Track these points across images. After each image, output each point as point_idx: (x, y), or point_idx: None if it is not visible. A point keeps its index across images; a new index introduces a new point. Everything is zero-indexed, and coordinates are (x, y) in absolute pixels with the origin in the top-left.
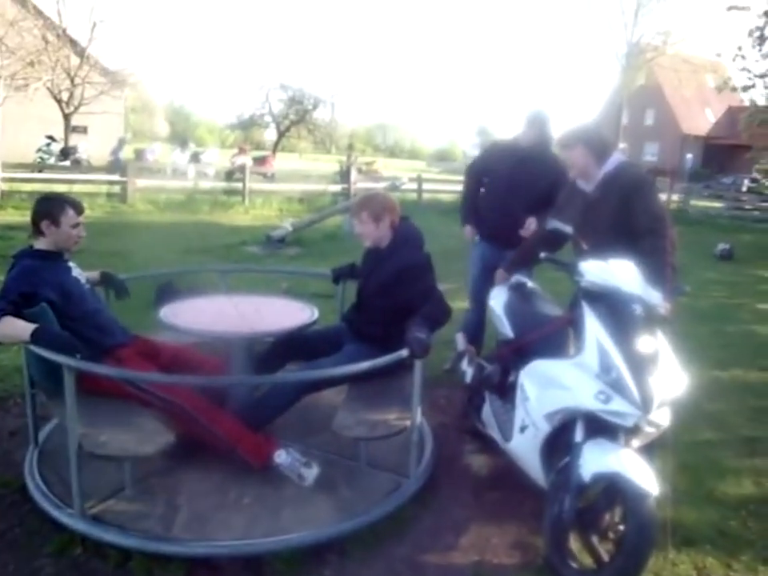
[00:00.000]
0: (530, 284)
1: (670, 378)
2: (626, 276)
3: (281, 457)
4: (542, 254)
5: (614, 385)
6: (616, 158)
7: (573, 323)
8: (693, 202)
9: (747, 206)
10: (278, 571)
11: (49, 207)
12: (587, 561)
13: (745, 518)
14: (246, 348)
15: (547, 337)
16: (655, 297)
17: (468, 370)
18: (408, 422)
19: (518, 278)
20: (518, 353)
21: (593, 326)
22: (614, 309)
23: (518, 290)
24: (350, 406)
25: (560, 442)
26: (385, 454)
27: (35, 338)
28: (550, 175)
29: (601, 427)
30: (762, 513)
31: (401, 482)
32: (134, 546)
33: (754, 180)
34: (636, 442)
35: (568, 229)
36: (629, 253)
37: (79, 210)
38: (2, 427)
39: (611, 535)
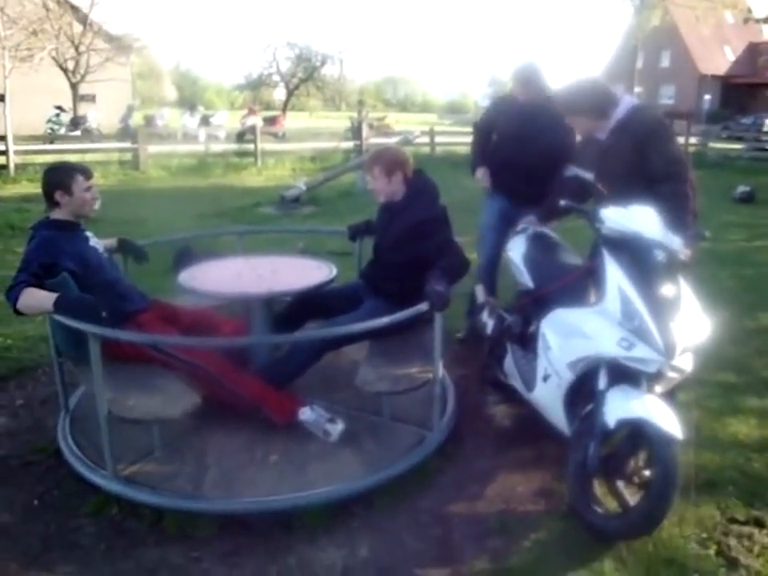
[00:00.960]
0: (549, 234)
1: (692, 324)
2: (647, 221)
3: (305, 414)
4: (562, 202)
5: (637, 331)
6: (627, 103)
7: (593, 272)
8: (711, 145)
9: None
10: (306, 525)
11: (58, 176)
12: (612, 506)
13: None
14: (265, 308)
15: (567, 286)
16: (676, 242)
17: (489, 321)
18: (430, 376)
19: (536, 227)
20: (539, 303)
21: (614, 273)
22: (635, 255)
23: (537, 240)
24: (372, 361)
25: (583, 390)
26: (407, 407)
27: (58, 306)
28: (555, 128)
29: (624, 374)
30: None
31: (424, 435)
32: (166, 505)
33: None
34: (659, 388)
35: (588, 175)
36: (648, 198)
37: (88, 175)
38: (33, 396)
39: (636, 480)
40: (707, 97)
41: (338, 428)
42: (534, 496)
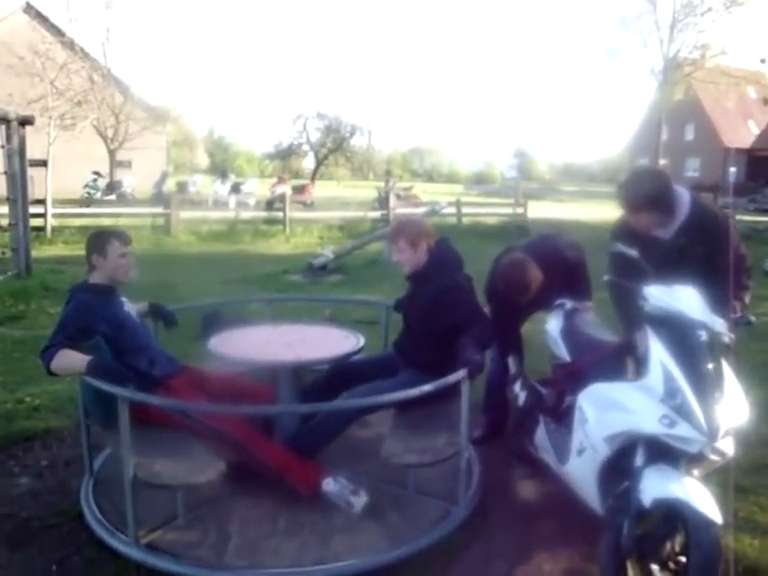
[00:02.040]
0: (584, 310)
1: (734, 407)
2: (690, 301)
3: (329, 485)
4: (606, 277)
5: (680, 409)
6: (684, 200)
7: (630, 347)
8: (739, 217)
9: None
10: None
11: (96, 241)
12: None
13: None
14: (293, 376)
15: (604, 361)
16: (719, 324)
17: (521, 393)
18: (456, 448)
19: (572, 303)
20: (574, 376)
21: (657, 350)
22: (678, 334)
23: (574, 316)
24: (398, 433)
25: (618, 467)
26: (432, 480)
27: (90, 369)
28: None
29: (662, 453)
30: None
31: (450, 509)
32: (187, 574)
33: None
34: (697, 471)
35: (633, 252)
36: (708, 286)
37: (124, 241)
38: (58, 457)
39: (671, 565)
40: (733, 169)
41: (361, 500)
42: (561, 575)
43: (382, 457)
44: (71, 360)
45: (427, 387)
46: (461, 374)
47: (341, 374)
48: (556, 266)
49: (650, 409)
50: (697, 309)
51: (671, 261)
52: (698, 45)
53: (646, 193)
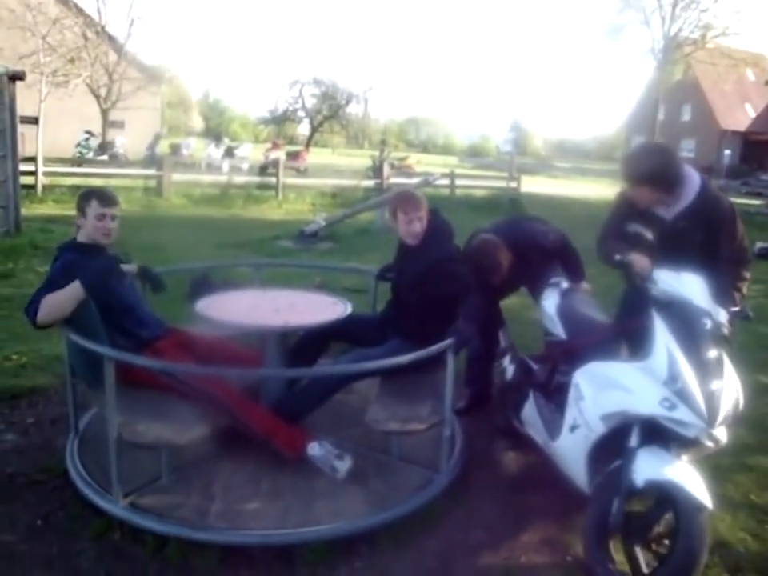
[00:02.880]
0: (578, 290)
1: (731, 396)
2: (697, 290)
3: (314, 449)
4: (617, 257)
5: (681, 394)
6: (694, 184)
7: (630, 330)
8: (731, 199)
9: None
10: (309, 561)
11: (80, 200)
12: (624, 568)
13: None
14: (280, 341)
15: (600, 342)
16: (722, 315)
17: (510, 367)
18: (440, 417)
19: (568, 283)
20: (569, 355)
21: (663, 334)
22: (682, 319)
23: (570, 295)
24: (383, 400)
25: (610, 447)
26: (416, 448)
27: (84, 282)
28: None
29: (656, 436)
30: None
31: (432, 477)
32: (170, 533)
33: None
34: (688, 456)
35: (649, 235)
36: (706, 271)
37: (105, 201)
38: (44, 415)
39: (654, 547)
40: (727, 152)
41: (345, 465)
42: (538, 545)
43: (367, 423)
44: (60, 295)
45: (413, 356)
46: (445, 343)
47: (325, 334)
48: (529, 248)
49: (651, 390)
50: (702, 297)
51: (666, 241)
52: (700, 24)
53: (648, 167)
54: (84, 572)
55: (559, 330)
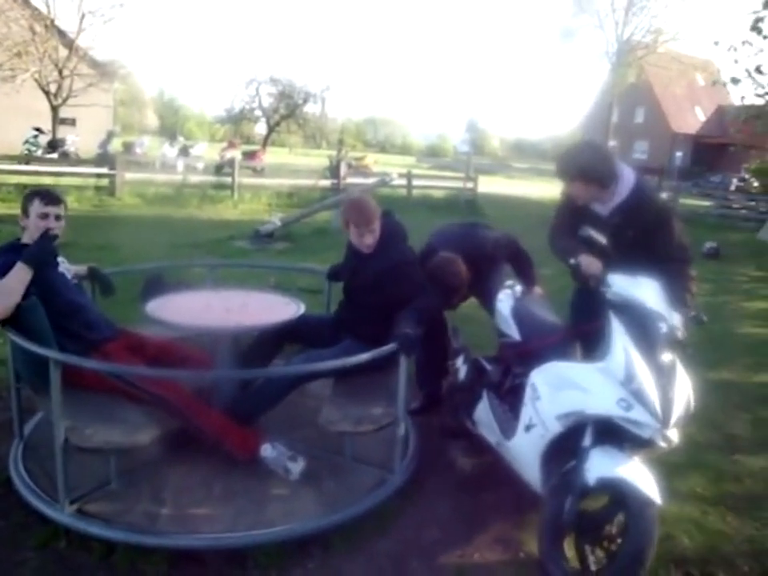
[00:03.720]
0: (534, 293)
1: (683, 398)
2: (651, 294)
3: (267, 450)
4: (572, 261)
5: (637, 394)
6: (628, 180)
7: (582, 334)
8: (682, 201)
9: (735, 205)
10: (261, 564)
11: (23, 200)
12: (574, 564)
13: (724, 513)
14: (232, 342)
15: (554, 345)
16: (676, 319)
17: (462, 367)
18: (393, 418)
19: (521, 287)
20: (523, 356)
21: (620, 336)
22: (638, 323)
23: (524, 297)
24: (336, 400)
25: (564, 447)
26: (370, 448)
27: (29, 261)
28: None
29: (609, 435)
30: (741, 508)
31: (385, 477)
32: (117, 539)
33: (742, 179)
34: (639, 456)
35: (602, 238)
36: (650, 273)
37: (48, 200)
38: None
39: (606, 545)
40: (679, 154)
41: (298, 466)
42: (491, 543)
43: (320, 424)
44: (7, 280)
45: (365, 356)
46: (390, 347)
47: (278, 334)
48: (480, 258)
49: (608, 390)
50: (656, 301)
51: (606, 236)
52: (652, 29)
53: (580, 162)
54: None
55: (513, 332)
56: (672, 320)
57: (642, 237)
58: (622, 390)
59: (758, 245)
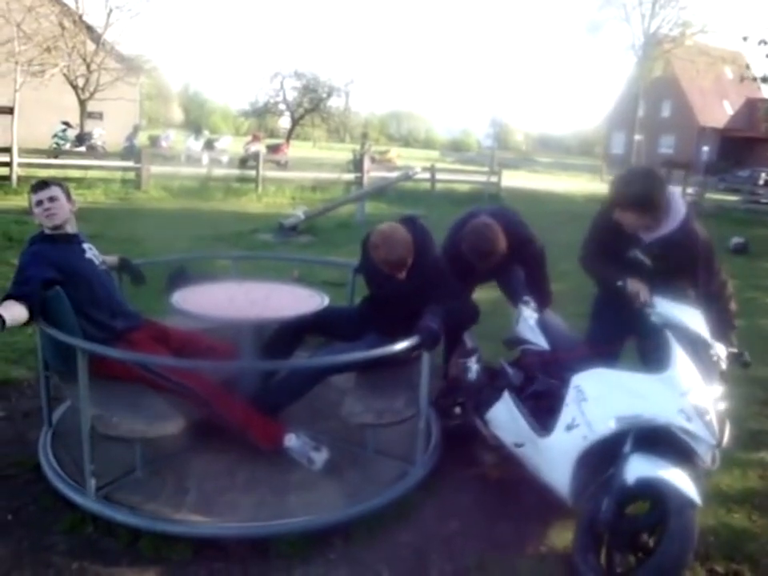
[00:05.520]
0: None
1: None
2: (695, 321)
3: (291, 441)
4: (620, 282)
5: (697, 409)
6: (678, 214)
7: (605, 353)
8: (708, 195)
9: (763, 200)
10: (283, 553)
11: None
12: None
13: (749, 511)
14: (255, 334)
15: (583, 359)
16: (719, 349)
17: (474, 367)
18: (415, 410)
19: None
20: (550, 365)
21: (680, 352)
22: (688, 346)
23: (543, 313)
24: (358, 393)
25: (597, 457)
26: (393, 441)
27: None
28: None
29: (649, 446)
30: (766, 506)
31: (407, 469)
32: (143, 526)
33: None
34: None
35: (648, 262)
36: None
37: (35, 189)
38: (17, 408)
39: (638, 552)
40: (705, 148)
41: (322, 456)
42: (512, 536)
43: (342, 416)
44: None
45: (390, 349)
46: (414, 339)
47: (300, 326)
48: (517, 245)
49: (668, 400)
50: (701, 329)
51: (642, 264)
52: (679, 22)
53: (637, 192)
54: (55, 567)
55: (541, 341)
56: (717, 350)
57: (683, 270)
58: (682, 402)
59: None
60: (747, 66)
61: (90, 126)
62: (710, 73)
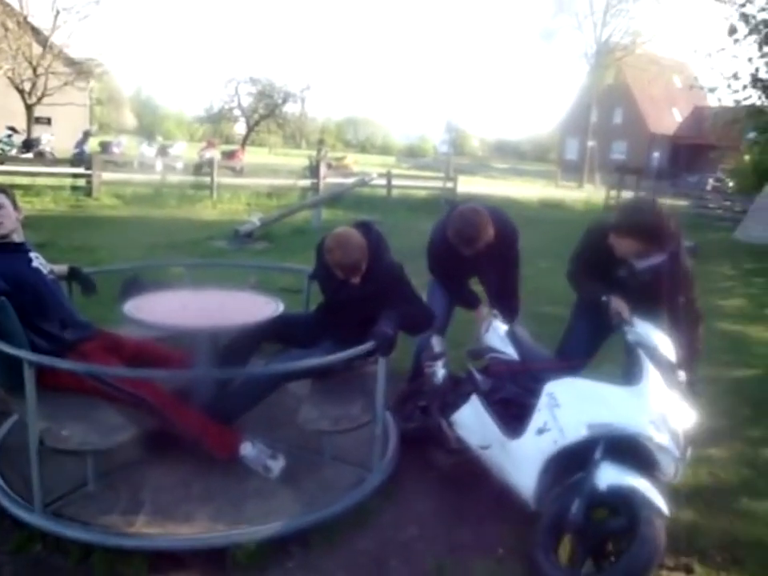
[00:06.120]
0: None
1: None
2: (665, 346)
3: (247, 449)
4: (604, 298)
5: (665, 422)
6: (672, 246)
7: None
8: (659, 201)
9: (711, 205)
10: (241, 563)
11: None
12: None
13: (699, 507)
14: (210, 342)
15: (553, 370)
16: (682, 376)
17: (441, 371)
18: (372, 416)
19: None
20: (517, 374)
21: (652, 369)
22: (658, 366)
23: (515, 328)
24: (315, 399)
25: (564, 462)
26: (350, 447)
27: None
28: None
29: (616, 454)
30: (716, 502)
31: (365, 476)
32: (95, 541)
33: (718, 179)
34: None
35: (633, 282)
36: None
37: None
38: None
39: (604, 556)
40: (656, 154)
41: (279, 464)
42: (470, 539)
43: (299, 423)
44: None
45: (344, 354)
46: (369, 345)
47: (256, 334)
48: (502, 233)
49: (639, 411)
50: (671, 355)
51: (625, 285)
52: (630, 31)
53: (639, 222)
54: None
55: (510, 351)
56: (680, 374)
57: (662, 295)
58: (652, 414)
59: (733, 244)
60: (695, 78)
61: (38, 131)
62: (660, 81)
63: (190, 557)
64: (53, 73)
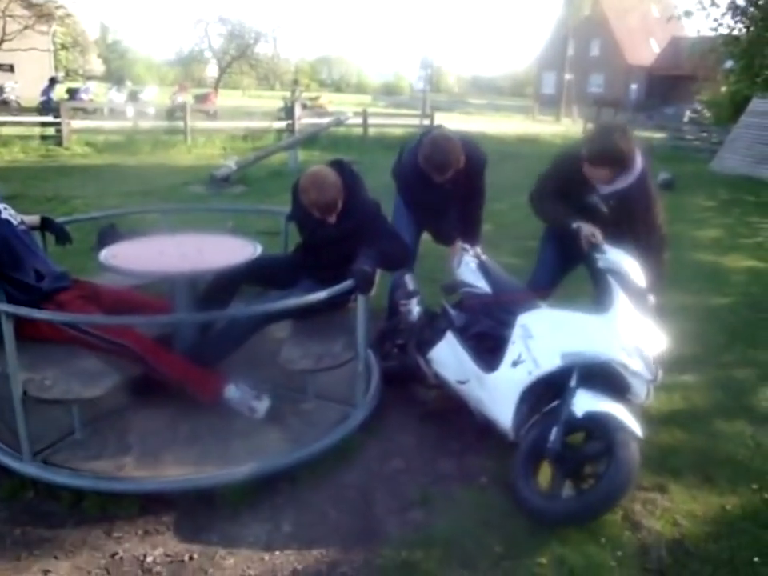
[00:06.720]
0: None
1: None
2: (635, 271)
3: (231, 391)
4: (575, 225)
5: (637, 348)
6: (636, 170)
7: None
8: (636, 133)
9: (688, 136)
10: (230, 502)
11: None
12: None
13: (673, 429)
14: (189, 287)
15: (523, 302)
16: (652, 299)
17: (415, 309)
18: (353, 354)
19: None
20: (491, 306)
21: (622, 296)
22: (627, 291)
23: (483, 258)
24: (296, 339)
25: (540, 391)
26: (333, 386)
27: None
28: None
29: (591, 381)
30: (689, 425)
31: (349, 412)
32: (86, 486)
33: (695, 111)
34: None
35: (604, 209)
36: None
37: None
38: None
39: (582, 480)
40: (633, 86)
41: (264, 404)
42: (454, 469)
43: (281, 363)
44: None
45: (323, 293)
46: (349, 283)
47: (235, 276)
48: (472, 160)
49: (611, 338)
50: (639, 279)
51: (594, 211)
52: None
53: (612, 150)
54: None
55: (483, 285)
56: (650, 298)
57: (629, 220)
58: (623, 340)
59: (709, 175)
60: (675, 7)
61: (1, 79)
62: (637, 11)
63: (180, 497)
64: (10, 16)
